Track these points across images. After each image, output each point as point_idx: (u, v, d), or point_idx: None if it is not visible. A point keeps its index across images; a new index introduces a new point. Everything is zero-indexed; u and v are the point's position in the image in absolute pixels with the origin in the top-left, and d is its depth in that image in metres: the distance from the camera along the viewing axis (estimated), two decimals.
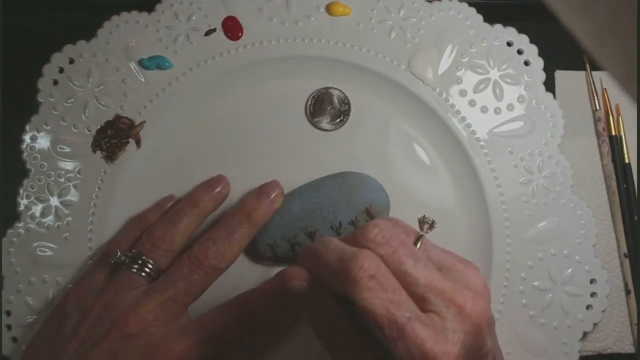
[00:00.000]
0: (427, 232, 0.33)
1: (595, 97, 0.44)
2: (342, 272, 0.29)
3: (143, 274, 0.37)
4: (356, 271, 0.28)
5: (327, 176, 0.41)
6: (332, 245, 0.31)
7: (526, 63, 0.43)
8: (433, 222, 0.33)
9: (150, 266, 0.37)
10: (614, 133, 0.44)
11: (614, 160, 0.44)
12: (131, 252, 0.38)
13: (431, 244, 0.33)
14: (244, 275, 0.41)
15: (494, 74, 0.42)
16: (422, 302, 0.29)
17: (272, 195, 0.39)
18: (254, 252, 0.41)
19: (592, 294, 0.41)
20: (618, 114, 0.44)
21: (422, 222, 0.33)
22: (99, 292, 0.37)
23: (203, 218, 0.39)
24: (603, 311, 0.40)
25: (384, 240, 0.30)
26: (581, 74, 0.45)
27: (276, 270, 0.40)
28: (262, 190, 0.39)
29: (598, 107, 0.44)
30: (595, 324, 0.41)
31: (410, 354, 0.27)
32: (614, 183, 0.43)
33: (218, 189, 0.40)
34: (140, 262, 0.37)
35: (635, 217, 0.43)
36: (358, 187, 0.40)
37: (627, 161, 0.43)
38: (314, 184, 0.41)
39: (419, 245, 0.32)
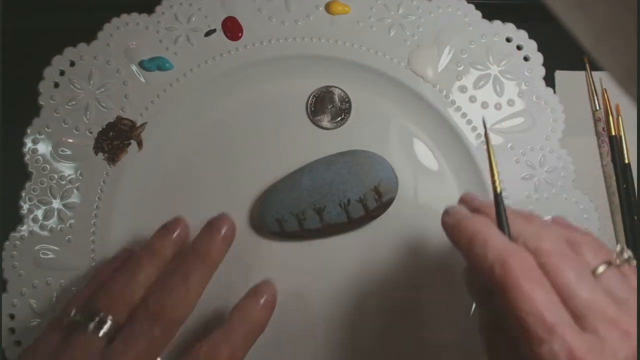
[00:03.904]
0: (618, 264, 0.28)
1: (595, 97, 0.44)
2: (493, 266, 0.26)
3: (100, 334, 0.32)
4: (509, 269, 0.26)
5: (338, 153, 0.41)
6: (493, 234, 0.28)
7: (526, 58, 0.43)
8: (630, 258, 0.28)
9: (109, 324, 0.33)
10: (613, 133, 0.44)
11: (613, 161, 0.43)
12: (87, 309, 0.33)
13: (617, 276, 0.28)
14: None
15: (494, 70, 0.42)
16: (580, 320, 0.25)
17: (224, 230, 0.36)
18: (261, 227, 0.41)
19: None
20: (618, 114, 0.44)
21: (619, 252, 0.29)
22: (53, 358, 0.32)
23: (164, 266, 0.36)
24: None
25: (548, 250, 0.27)
26: (581, 74, 0.45)
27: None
28: (212, 226, 0.36)
29: (598, 107, 0.44)
30: None
31: (555, 357, 0.24)
32: (614, 183, 0.43)
33: (176, 233, 0.36)
34: (97, 320, 0.33)
35: (635, 217, 0.43)
36: (368, 166, 0.40)
37: (627, 161, 0.43)
38: (323, 161, 0.41)
39: (600, 269, 0.28)
